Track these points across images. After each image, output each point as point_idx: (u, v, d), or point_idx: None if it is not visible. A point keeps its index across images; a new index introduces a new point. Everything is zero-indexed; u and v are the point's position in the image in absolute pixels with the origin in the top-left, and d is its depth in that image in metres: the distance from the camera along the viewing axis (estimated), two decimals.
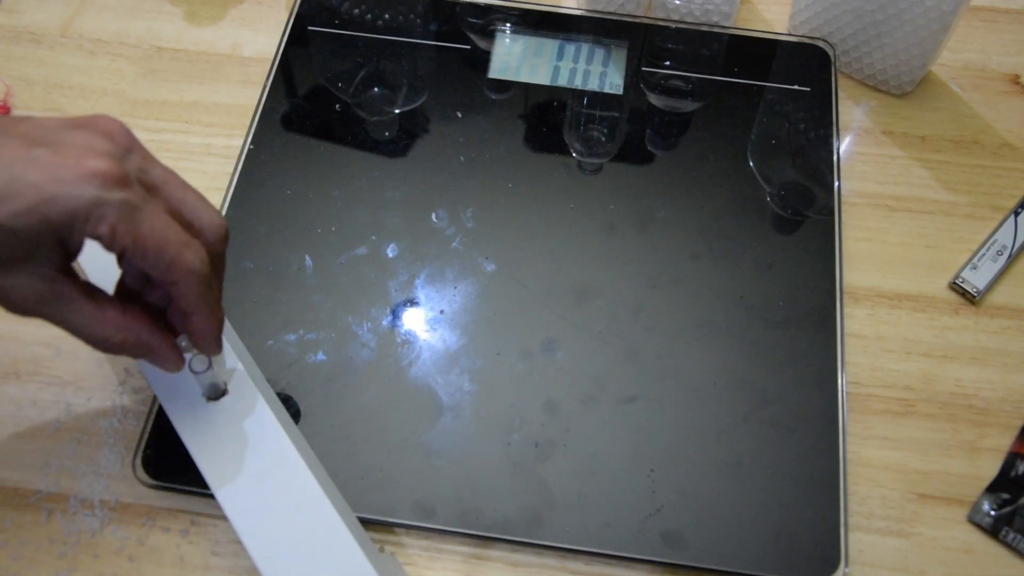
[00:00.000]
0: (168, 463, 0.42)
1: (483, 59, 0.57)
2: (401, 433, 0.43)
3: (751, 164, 0.53)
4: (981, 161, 0.55)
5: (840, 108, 0.56)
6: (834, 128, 0.54)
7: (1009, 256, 0.50)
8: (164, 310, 0.38)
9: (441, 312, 0.47)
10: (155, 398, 0.43)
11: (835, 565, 0.41)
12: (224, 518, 0.38)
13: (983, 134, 0.56)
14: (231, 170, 0.52)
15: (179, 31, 0.59)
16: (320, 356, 0.45)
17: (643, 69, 0.57)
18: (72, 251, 0.33)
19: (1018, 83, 0.58)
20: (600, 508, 0.42)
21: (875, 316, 0.49)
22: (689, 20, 0.59)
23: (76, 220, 0.31)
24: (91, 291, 0.34)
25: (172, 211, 0.34)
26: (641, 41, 0.58)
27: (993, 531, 0.43)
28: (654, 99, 0.56)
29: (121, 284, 0.38)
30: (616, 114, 0.55)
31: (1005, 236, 0.51)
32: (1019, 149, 0.55)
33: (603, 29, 0.59)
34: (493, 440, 0.43)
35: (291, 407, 0.44)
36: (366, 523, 0.41)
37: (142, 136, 0.37)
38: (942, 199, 0.53)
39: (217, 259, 0.37)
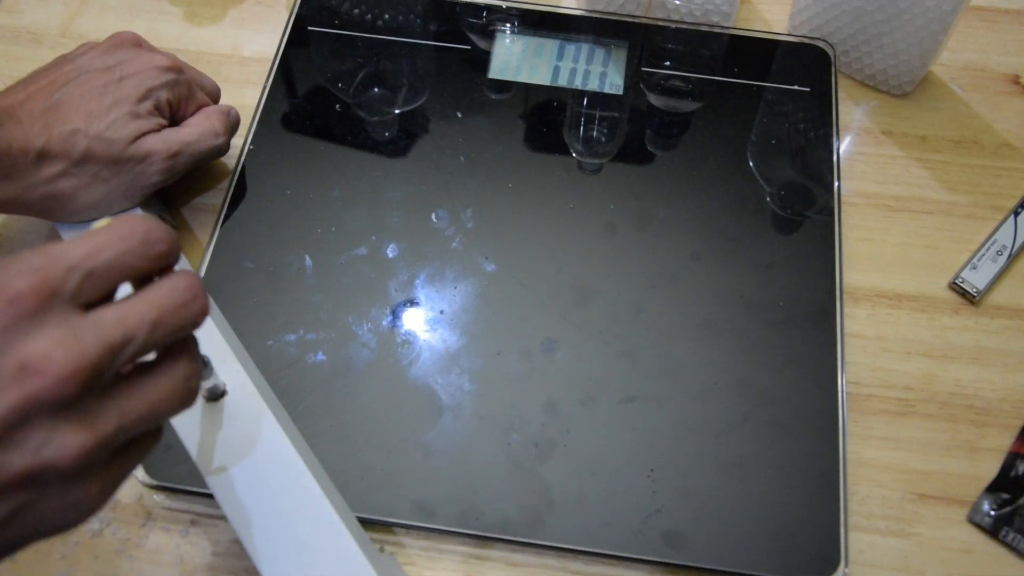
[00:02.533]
0: (168, 463, 0.42)
1: (483, 59, 0.57)
2: (401, 433, 0.43)
3: (751, 164, 0.53)
4: (981, 161, 0.55)
5: (840, 108, 0.56)
6: (834, 128, 0.54)
7: (1009, 256, 0.50)
8: None
9: (441, 312, 0.47)
10: None
11: (835, 565, 0.41)
12: (224, 518, 0.38)
13: (983, 134, 0.56)
14: (231, 170, 0.52)
15: (179, 31, 0.59)
16: (320, 356, 0.45)
17: (643, 69, 0.57)
18: None
19: (1018, 83, 0.58)
20: (600, 508, 0.42)
21: (875, 316, 0.49)
22: (689, 20, 0.59)
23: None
24: None
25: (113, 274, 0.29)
26: (641, 41, 0.58)
27: (993, 531, 0.43)
28: (654, 99, 0.56)
29: None
30: (616, 114, 0.55)
31: (1005, 236, 0.51)
32: (1019, 149, 0.55)
33: (603, 29, 0.59)
34: (493, 440, 0.43)
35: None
36: (366, 523, 0.41)
37: None
38: (942, 199, 0.53)
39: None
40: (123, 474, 0.30)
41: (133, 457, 0.30)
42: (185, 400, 0.30)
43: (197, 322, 0.29)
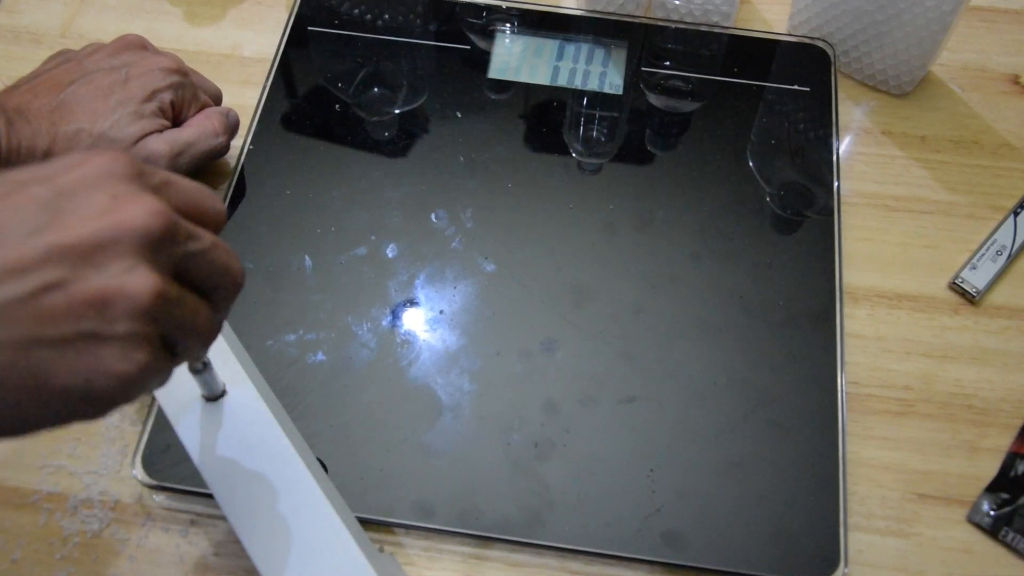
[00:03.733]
0: (168, 463, 0.42)
1: (483, 59, 0.57)
2: (401, 433, 0.43)
3: (751, 164, 0.53)
4: (981, 161, 0.55)
5: (840, 108, 0.56)
6: (834, 128, 0.54)
7: (1008, 256, 0.50)
8: None
9: (441, 312, 0.47)
10: (154, 398, 0.43)
11: (835, 565, 0.41)
12: (224, 518, 0.38)
13: (983, 134, 0.56)
14: (231, 170, 0.52)
15: (179, 31, 0.59)
16: (320, 356, 0.45)
17: (643, 69, 0.57)
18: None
19: (1018, 83, 0.58)
20: (600, 508, 0.42)
21: (875, 316, 0.49)
22: (689, 20, 0.59)
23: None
24: None
25: (181, 205, 0.33)
26: (641, 41, 0.58)
27: (993, 531, 0.43)
28: (654, 99, 0.56)
29: None
30: (616, 114, 0.55)
31: (1004, 236, 0.51)
32: (1019, 149, 0.55)
33: (603, 29, 0.59)
34: (493, 440, 0.43)
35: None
36: (366, 523, 0.41)
37: None
38: (942, 199, 0.53)
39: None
40: (166, 368, 0.30)
41: (175, 359, 0.31)
42: (212, 331, 0.32)
43: (238, 281, 0.32)
